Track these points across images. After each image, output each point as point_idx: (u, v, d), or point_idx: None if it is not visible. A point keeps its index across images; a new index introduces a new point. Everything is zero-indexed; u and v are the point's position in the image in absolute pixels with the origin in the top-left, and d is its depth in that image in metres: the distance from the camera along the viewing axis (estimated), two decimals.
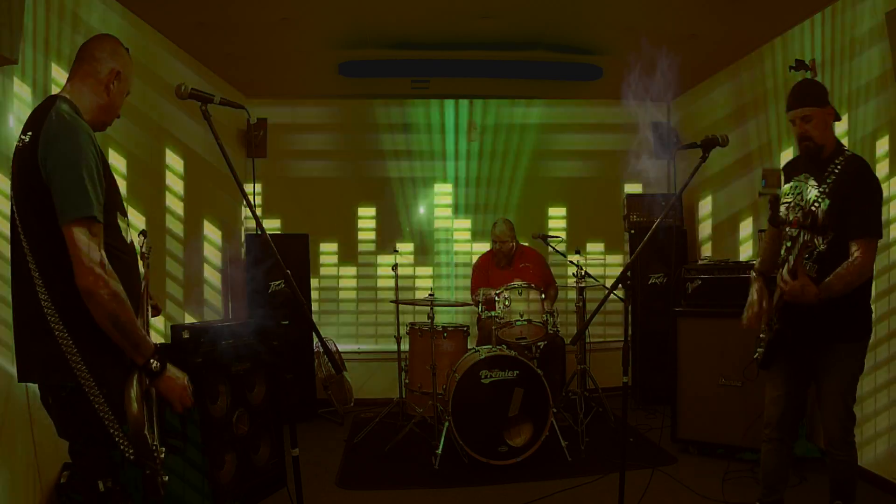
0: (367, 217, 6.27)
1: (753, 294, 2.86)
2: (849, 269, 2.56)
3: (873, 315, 3.77)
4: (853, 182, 2.63)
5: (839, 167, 2.67)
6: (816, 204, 2.66)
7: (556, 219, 6.36)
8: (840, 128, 3.93)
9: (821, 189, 2.68)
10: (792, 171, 2.88)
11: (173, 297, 4.49)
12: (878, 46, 3.57)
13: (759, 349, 2.84)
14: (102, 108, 2.03)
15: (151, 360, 1.87)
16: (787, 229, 2.77)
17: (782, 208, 2.84)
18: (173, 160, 4.55)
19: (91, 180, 1.80)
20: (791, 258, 2.52)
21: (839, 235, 2.61)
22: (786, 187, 2.85)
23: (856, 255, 2.58)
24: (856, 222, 2.59)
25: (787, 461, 2.88)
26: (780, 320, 2.72)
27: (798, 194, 2.78)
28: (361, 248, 6.25)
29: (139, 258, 2.12)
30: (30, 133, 1.85)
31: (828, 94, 2.74)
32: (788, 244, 2.72)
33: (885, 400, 3.58)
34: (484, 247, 6.01)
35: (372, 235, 6.26)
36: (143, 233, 2.35)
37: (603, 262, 6.20)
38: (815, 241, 2.59)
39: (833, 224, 2.54)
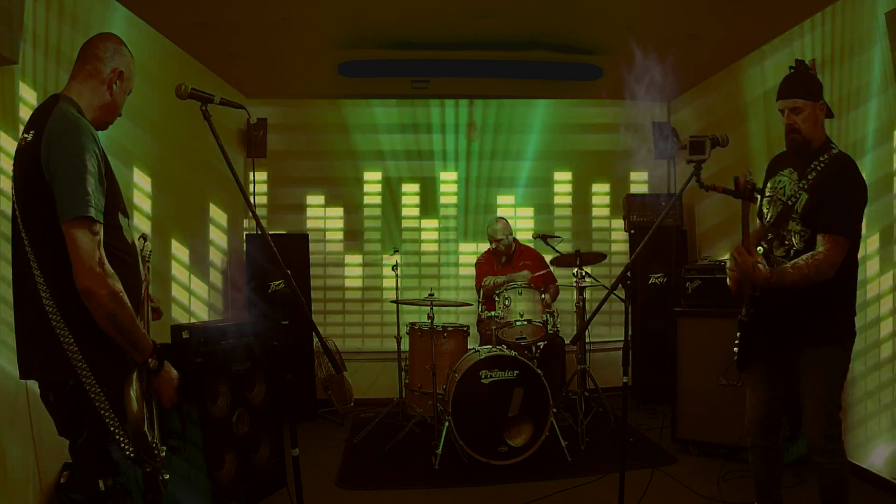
0: (372, 217, 6.27)
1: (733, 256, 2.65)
2: (808, 262, 2.45)
3: (875, 314, 3.77)
4: (834, 179, 2.52)
5: (823, 164, 2.57)
6: (794, 198, 2.58)
7: (559, 219, 6.37)
8: (839, 129, 3.93)
9: (800, 184, 2.60)
10: (777, 165, 2.79)
11: (173, 297, 4.49)
12: (878, 46, 3.58)
13: (735, 349, 2.70)
14: (105, 107, 2.03)
15: (150, 359, 1.88)
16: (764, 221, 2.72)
17: (764, 202, 2.76)
18: (172, 159, 4.54)
19: (93, 180, 1.80)
20: (761, 247, 2.43)
21: (815, 233, 2.52)
22: (769, 182, 2.76)
23: (821, 249, 2.47)
24: (828, 216, 2.49)
25: (777, 466, 2.79)
26: (752, 305, 2.57)
27: (781, 188, 2.68)
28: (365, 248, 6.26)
29: (140, 260, 2.12)
30: (32, 132, 1.85)
31: (821, 90, 2.66)
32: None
33: (885, 400, 3.58)
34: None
35: (378, 235, 6.25)
36: (143, 236, 2.34)
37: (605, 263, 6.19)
38: (786, 232, 2.53)
39: (809, 220, 2.45)
